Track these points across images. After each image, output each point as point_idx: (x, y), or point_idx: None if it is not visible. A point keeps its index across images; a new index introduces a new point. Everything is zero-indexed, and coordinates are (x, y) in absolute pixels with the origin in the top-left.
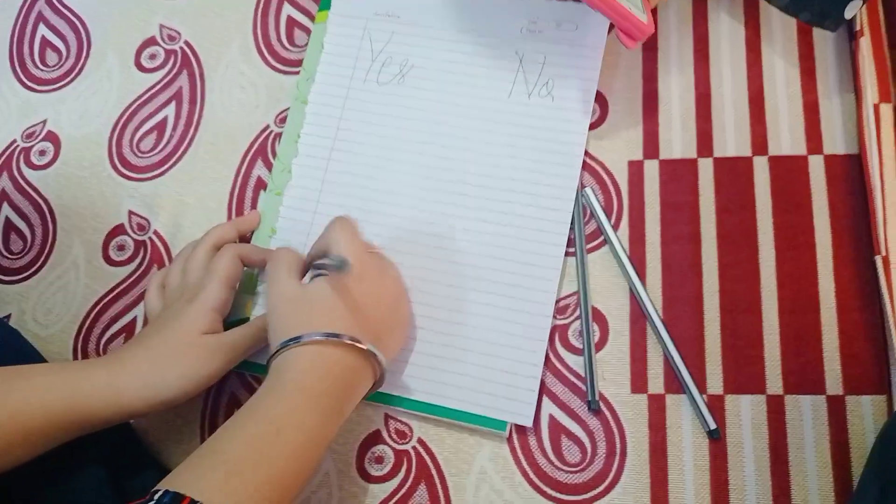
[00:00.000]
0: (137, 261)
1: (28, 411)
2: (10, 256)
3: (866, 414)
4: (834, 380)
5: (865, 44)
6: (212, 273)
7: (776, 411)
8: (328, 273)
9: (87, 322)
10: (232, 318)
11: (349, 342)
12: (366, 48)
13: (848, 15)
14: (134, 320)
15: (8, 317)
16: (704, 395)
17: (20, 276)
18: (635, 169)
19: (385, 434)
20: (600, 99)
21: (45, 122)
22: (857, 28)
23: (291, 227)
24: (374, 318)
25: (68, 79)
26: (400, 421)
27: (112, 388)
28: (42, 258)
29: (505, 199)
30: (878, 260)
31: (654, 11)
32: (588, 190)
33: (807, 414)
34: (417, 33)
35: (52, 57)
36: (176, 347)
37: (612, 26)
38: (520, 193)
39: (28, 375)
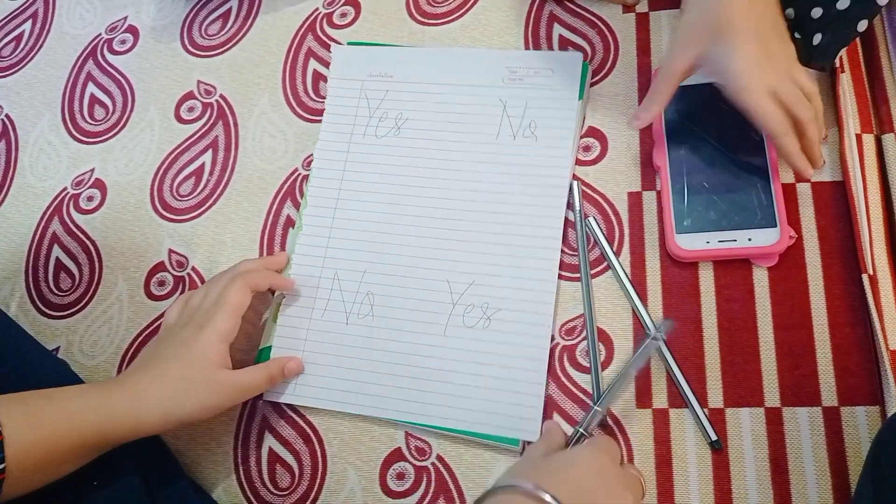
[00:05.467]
0: (176, 295)
1: (59, 434)
2: (59, 294)
3: (861, 424)
4: (829, 392)
5: (846, 79)
6: (220, 302)
7: (775, 423)
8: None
9: (130, 352)
10: (261, 347)
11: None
12: (363, 106)
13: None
14: None
15: (57, 349)
16: (706, 409)
17: (69, 312)
18: (634, 199)
19: (406, 451)
20: (601, 136)
21: (93, 170)
22: (838, 65)
23: (305, 260)
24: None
25: (114, 131)
26: (420, 439)
27: (133, 412)
28: (89, 294)
29: (498, 230)
30: (865, 278)
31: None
32: (591, 219)
33: (804, 425)
34: (409, 89)
35: (99, 112)
36: (192, 380)
37: (584, 70)
38: (511, 225)
39: (58, 400)
